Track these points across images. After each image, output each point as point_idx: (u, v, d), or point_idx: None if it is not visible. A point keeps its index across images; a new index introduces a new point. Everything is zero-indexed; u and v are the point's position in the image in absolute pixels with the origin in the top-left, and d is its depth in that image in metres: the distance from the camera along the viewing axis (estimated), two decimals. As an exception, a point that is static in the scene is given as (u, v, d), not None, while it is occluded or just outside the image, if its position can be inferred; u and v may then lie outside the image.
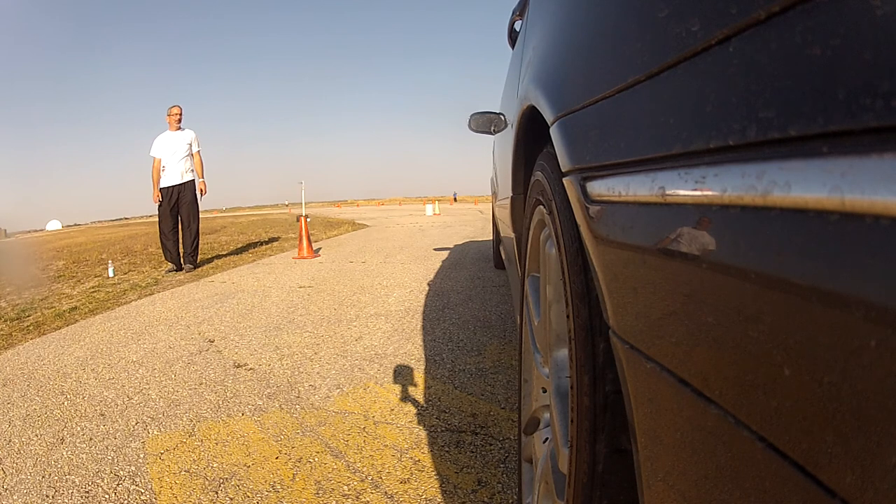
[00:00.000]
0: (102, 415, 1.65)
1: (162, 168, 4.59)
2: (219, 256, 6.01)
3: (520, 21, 1.35)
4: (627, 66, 0.35)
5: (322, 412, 1.58)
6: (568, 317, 0.52)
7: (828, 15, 0.18)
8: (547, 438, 0.82)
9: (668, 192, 0.28)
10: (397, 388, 1.74)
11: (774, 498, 0.21)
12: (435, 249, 5.82)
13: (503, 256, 2.73)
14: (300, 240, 5.67)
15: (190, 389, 1.82)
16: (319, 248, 6.39)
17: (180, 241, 4.81)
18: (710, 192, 0.24)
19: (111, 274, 4.79)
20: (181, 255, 4.80)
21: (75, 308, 3.38)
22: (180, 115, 4.67)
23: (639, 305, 0.34)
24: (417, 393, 1.69)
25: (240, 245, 7.34)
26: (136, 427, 1.54)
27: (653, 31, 0.32)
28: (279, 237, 8.49)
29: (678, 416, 0.28)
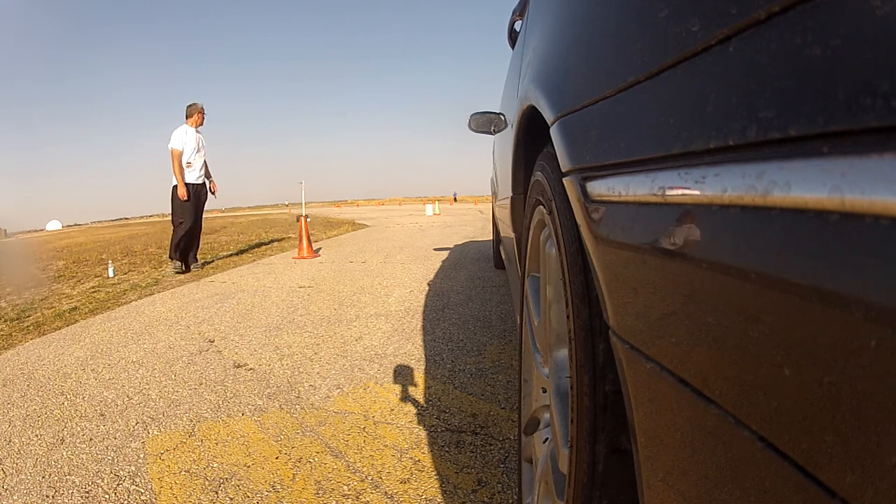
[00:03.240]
0: (102, 415, 1.65)
1: (187, 164, 4.52)
2: (219, 256, 6.01)
3: (520, 21, 1.35)
4: (627, 66, 0.35)
5: (322, 412, 1.58)
6: (568, 317, 0.52)
7: (828, 15, 0.17)
8: (547, 438, 0.82)
9: (668, 192, 0.28)
10: (397, 388, 1.74)
11: (774, 498, 0.21)
12: (435, 249, 5.82)
13: (503, 256, 2.73)
14: (300, 240, 5.67)
15: (190, 389, 1.82)
16: (319, 249, 6.39)
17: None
18: (710, 192, 0.24)
19: (111, 274, 4.79)
20: (188, 254, 4.80)
21: (75, 308, 3.38)
22: (204, 114, 4.69)
23: (639, 305, 0.34)
24: (417, 393, 1.69)
25: (240, 245, 7.35)
26: (136, 427, 1.54)
27: (653, 32, 0.32)
28: (279, 237, 8.49)
29: (678, 416, 0.28)
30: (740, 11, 0.22)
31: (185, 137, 4.53)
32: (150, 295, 3.74)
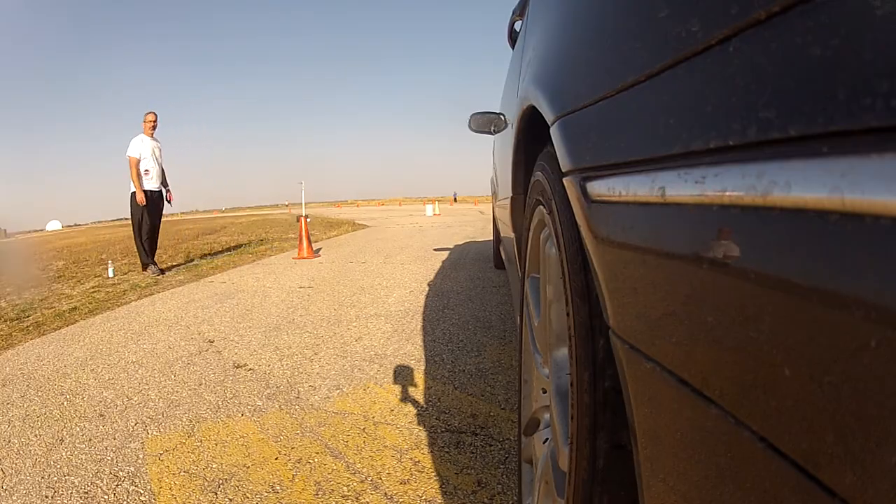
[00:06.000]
0: (102, 415, 1.64)
1: (145, 172, 4.57)
2: (219, 257, 6.01)
3: (520, 21, 1.35)
4: (628, 66, 0.35)
5: (322, 413, 1.58)
6: (568, 315, 0.52)
7: (828, 15, 0.18)
8: (547, 439, 0.82)
9: (668, 192, 0.28)
10: (397, 389, 1.74)
11: (774, 498, 0.21)
12: (435, 250, 5.82)
13: (503, 257, 2.73)
14: (300, 240, 5.68)
15: (189, 390, 1.82)
16: (319, 249, 6.39)
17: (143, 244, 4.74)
18: (710, 192, 0.24)
19: (111, 274, 4.79)
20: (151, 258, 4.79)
21: (75, 308, 3.38)
22: (156, 121, 4.73)
23: (639, 305, 0.34)
24: (417, 393, 1.69)
25: (240, 245, 7.35)
26: (135, 428, 1.54)
27: (653, 32, 0.32)
28: (279, 237, 8.49)
29: (678, 416, 0.28)
30: (740, 11, 0.22)
31: (140, 146, 4.57)
32: (150, 295, 3.74)
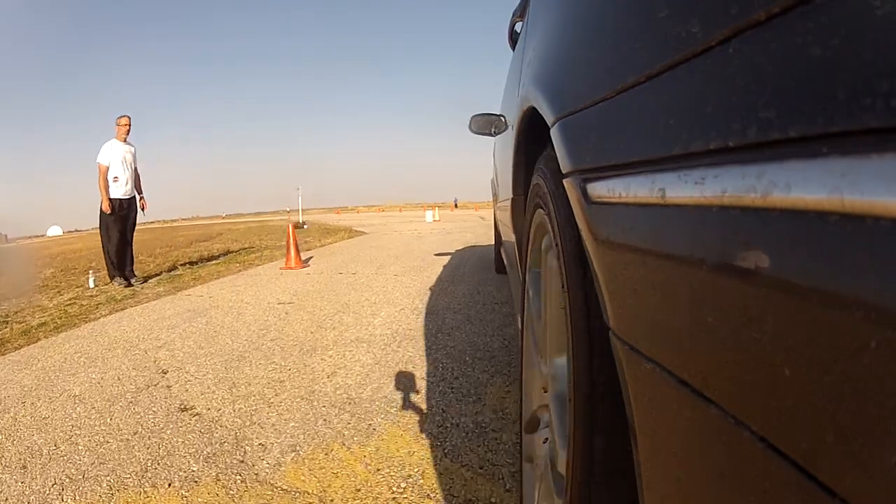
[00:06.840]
0: (24, 467, 1.47)
1: (114, 179, 4.46)
2: (206, 265, 5.93)
3: (520, 22, 1.35)
4: (628, 67, 0.35)
5: (267, 489, 1.26)
6: (568, 317, 0.52)
7: (828, 15, 0.18)
8: (546, 439, 0.82)
9: (668, 194, 0.28)
10: (368, 454, 1.39)
11: (774, 498, 0.20)
12: (435, 255, 5.70)
13: (504, 260, 2.73)
14: (287, 249, 5.53)
15: (121, 441, 1.59)
16: (310, 258, 6.21)
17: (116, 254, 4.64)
18: (710, 193, 0.24)
19: (91, 284, 4.74)
20: (124, 268, 4.69)
21: (43, 324, 3.32)
22: (129, 125, 4.62)
23: (638, 306, 0.34)
24: (394, 462, 1.34)
25: (231, 254, 7.28)
26: (51, 490, 1.34)
27: (653, 32, 0.32)
28: (272, 245, 8.41)
29: (678, 416, 0.28)
30: (740, 12, 0.22)
31: (110, 152, 4.45)
32: (122, 310, 3.62)
